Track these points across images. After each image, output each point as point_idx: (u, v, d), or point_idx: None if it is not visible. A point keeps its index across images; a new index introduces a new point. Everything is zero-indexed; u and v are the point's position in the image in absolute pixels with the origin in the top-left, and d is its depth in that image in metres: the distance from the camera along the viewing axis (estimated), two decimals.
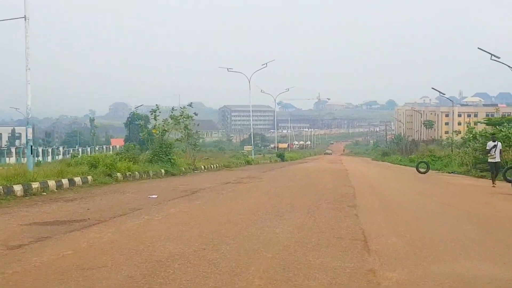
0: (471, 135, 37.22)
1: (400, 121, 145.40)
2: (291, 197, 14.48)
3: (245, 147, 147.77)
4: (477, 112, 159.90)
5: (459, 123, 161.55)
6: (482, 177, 31.29)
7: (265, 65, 57.26)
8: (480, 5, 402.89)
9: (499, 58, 38.73)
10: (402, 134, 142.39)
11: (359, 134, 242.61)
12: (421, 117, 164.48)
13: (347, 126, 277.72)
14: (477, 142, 35.56)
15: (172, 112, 29.22)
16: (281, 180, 21.72)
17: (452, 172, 37.86)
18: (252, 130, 62.13)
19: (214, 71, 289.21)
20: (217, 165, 35.01)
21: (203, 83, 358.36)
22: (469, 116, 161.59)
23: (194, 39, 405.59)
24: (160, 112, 28.60)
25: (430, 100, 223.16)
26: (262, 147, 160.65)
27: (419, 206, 13.32)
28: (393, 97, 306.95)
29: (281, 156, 67.57)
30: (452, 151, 58.04)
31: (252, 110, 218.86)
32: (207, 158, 39.87)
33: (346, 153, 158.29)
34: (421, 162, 37.47)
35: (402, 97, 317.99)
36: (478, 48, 41.34)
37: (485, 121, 37.61)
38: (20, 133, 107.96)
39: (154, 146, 26.73)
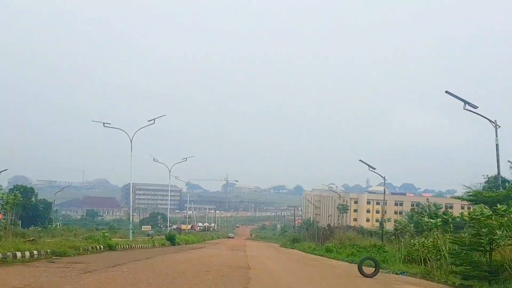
0: (439, 220, 23.64)
1: (313, 204, 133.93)
2: None
3: (143, 226, 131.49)
4: (386, 200, 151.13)
5: (368, 211, 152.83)
6: (463, 286, 18.13)
7: (152, 121, 43.22)
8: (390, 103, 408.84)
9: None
10: (311, 220, 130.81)
11: (266, 218, 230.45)
12: (332, 202, 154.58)
13: (254, 209, 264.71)
14: (447, 228, 22.56)
15: None
16: None
17: (402, 273, 24.63)
18: (131, 206, 46.79)
19: (118, 148, 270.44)
20: (37, 252, 19.93)
21: (109, 160, 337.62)
22: (378, 203, 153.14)
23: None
24: None
25: (336, 187, 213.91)
26: (163, 228, 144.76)
27: None
28: (301, 183, 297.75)
29: (171, 239, 52.58)
30: (382, 240, 45.43)
31: (157, 189, 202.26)
32: (32, 239, 24.37)
33: (252, 237, 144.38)
34: (366, 258, 23.34)
35: (309, 183, 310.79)
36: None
37: (470, 196, 24.43)
38: None
39: None
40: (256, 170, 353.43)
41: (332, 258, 43.10)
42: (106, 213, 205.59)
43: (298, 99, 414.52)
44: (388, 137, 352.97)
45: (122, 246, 33.32)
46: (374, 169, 43.18)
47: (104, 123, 42.83)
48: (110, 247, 29.99)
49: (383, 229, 47.15)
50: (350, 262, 36.86)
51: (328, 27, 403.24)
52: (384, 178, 43.31)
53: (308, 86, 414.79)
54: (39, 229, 73.68)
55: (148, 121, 43.81)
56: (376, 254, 36.79)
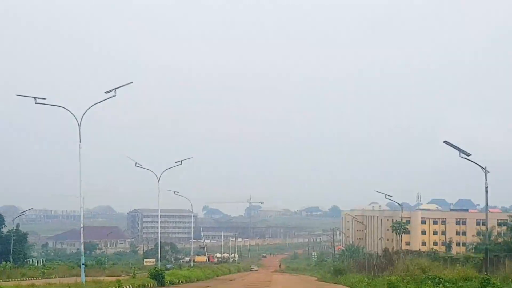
0: None
1: (361, 222, 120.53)
2: None
3: (145, 260, 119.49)
4: (445, 218, 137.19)
5: (423, 232, 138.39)
6: None
7: (113, 93, 30.99)
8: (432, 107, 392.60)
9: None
10: (354, 245, 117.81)
11: (298, 245, 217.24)
12: (378, 223, 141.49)
13: (283, 235, 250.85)
14: None
15: None
16: None
17: None
18: (82, 227, 33.09)
19: (124, 170, 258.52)
20: None
21: (111, 184, 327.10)
22: (435, 222, 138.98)
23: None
24: None
25: (380, 206, 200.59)
26: (174, 260, 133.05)
27: None
28: (337, 203, 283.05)
29: (157, 277, 39.86)
30: (487, 268, 32.19)
31: (168, 215, 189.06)
32: None
33: (281, 269, 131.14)
34: None
35: (348, 202, 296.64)
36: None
37: None
38: None
39: None
40: (284, 191, 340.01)
41: None
42: (108, 245, 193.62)
43: (332, 110, 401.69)
44: (437, 150, 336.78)
45: None
46: (468, 155, 30.40)
47: (35, 99, 30.61)
48: None
49: (487, 248, 33.90)
50: None
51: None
52: (485, 169, 30.29)
53: (339, 98, 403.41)
54: None
55: (106, 92, 31.53)
56: None
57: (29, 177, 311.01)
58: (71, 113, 31.33)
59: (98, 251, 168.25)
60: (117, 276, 51.49)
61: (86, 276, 40.87)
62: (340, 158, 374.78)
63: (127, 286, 32.58)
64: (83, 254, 31.95)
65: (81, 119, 31.31)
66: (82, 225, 32.08)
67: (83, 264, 30.92)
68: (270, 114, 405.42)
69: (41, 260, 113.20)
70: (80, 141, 31.27)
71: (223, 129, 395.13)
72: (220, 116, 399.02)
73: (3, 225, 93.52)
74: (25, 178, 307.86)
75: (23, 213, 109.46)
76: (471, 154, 30.57)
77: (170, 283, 42.50)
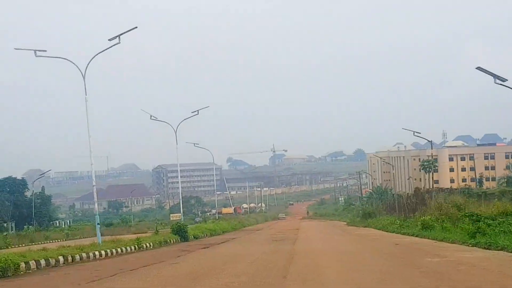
0: None
1: (389, 163, 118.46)
2: None
3: (171, 215, 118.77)
4: (473, 154, 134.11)
5: (451, 169, 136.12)
6: None
7: (117, 41, 28.89)
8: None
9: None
10: (382, 187, 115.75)
11: (324, 191, 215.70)
12: (405, 164, 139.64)
13: (309, 182, 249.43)
14: None
15: None
16: None
17: None
18: (95, 190, 31.41)
19: (144, 126, 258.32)
20: None
21: (135, 142, 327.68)
22: (463, 159, 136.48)
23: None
24: None
25: (405, 147, 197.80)
26: (200, 214, 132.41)
27: None
28: (361, 146, 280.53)
29: (180, 232, 38.36)
30: None
31: (193, 169, 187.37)
32: None
33: (309, 216, 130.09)
34: None
35: (372, 145, 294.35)
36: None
37: None
38: None
39: None
40: (307, 137, 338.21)
41: (441, 240, 28.12)
42: (135, 203, 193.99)
43: (352, 49, 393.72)
44: (461, 83, 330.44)
45: (30, 267, 18.66)
46: (504, 80, 28.00)
47: (35, 51, 28.67)
48: None
49: None
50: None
51: None
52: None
53: (363, 31, 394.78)
54: (5, 234, 61.03)
55: (110, 40, 29.51)
56: None
57: (53, 140, 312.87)
58: (74, 64, 29.40)
59: (124, 209, 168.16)
60: (142, 233, 50.23)
61: (111, 235, 39.79)
62: (361, 101, 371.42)
63: (147, 244, 30.99)
64: (97, 214, 30.23)
65: (85, 70, 29.39)
66: (94, 183, 30.41)
67: (97, 224, 29.29)
68: (288, 59, 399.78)
69: (68, 222, 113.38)
70: (86, 94, 29.46)
71: (240, 78, 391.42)
72: (236, 62, 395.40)
73: (26, 189, 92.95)
74: (49, 141, 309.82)
75: (42, 175, 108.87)
76: (507, 80, 28.09)
77: (194, 238, 41.06)
